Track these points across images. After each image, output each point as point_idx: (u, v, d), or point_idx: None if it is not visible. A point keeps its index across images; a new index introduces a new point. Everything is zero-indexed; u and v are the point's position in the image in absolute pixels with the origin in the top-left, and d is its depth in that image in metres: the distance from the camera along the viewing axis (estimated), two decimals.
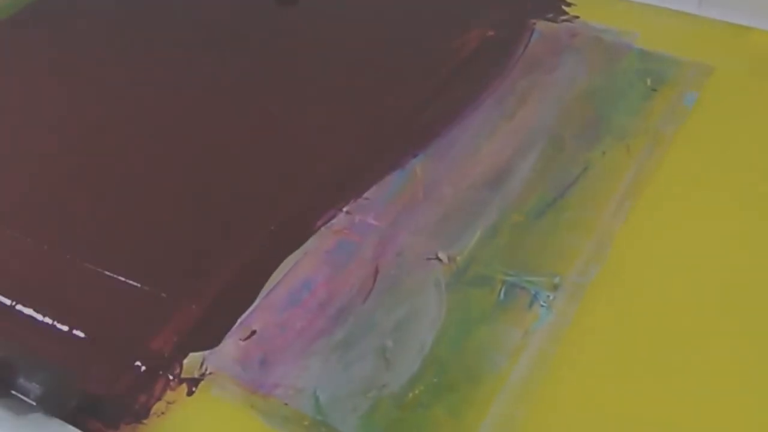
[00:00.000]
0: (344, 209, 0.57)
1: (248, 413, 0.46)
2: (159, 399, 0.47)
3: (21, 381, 0.45)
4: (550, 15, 0.75)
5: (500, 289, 0.52)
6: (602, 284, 0.52)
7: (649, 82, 0.66)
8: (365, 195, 0.58)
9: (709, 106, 0.64)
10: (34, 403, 0.45)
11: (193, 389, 0.47)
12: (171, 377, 0.48)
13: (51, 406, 0.45)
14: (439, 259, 0.53)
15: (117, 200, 0.60)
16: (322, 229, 0.56)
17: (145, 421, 0.46)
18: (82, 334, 0.50)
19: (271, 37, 0.76)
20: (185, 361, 0.48)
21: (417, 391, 0.47)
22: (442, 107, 0.65)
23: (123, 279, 0.53)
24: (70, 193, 0.61)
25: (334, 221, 0.56)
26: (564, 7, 0.76)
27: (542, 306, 0.51)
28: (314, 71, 0.71)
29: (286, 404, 0.46)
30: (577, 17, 0.74)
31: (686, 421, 0.45)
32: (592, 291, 0.51)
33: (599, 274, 0.52)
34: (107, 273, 0.54)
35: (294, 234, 0.55)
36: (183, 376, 0.48)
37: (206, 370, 0.48)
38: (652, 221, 0.56)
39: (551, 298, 0.51)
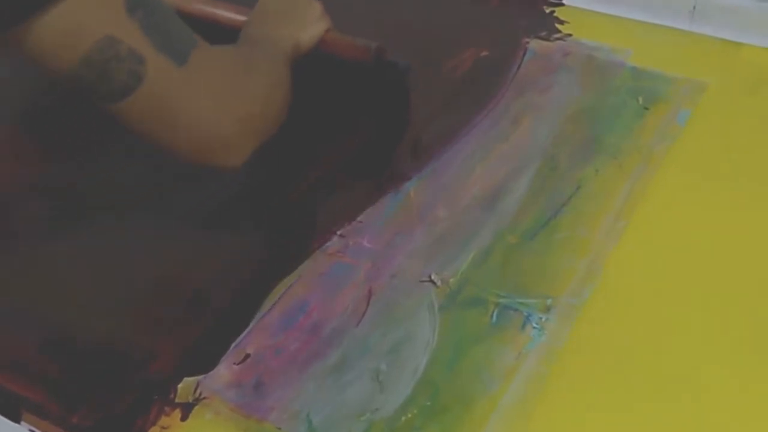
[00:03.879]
0: (338, 232, 0.57)
1: None
2: (154, 423, 0.47)
3: None
4: (543, 33, 0.75)
5: (493, 311, 0.52)
6: (595, 305, 0.52)
7: (641, 100, 0.66)
8: (359, 218, 0.58)
9: (702, 123, 0.64)
10: None
11: (187, 414, 0.47)
12: (165, 402, 0.48)
13: None
14: (433, 282, 0.54)
15: None
16: (317, 252, 0.56)
17: None
18: None
19: None
20: (179, 386, 0.49)
21: (410, 414, 0.47)
22: (437, 129, 0.65)
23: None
24: None
25: (328, 244, 0.57)
26: (557, 25, 0.76)
27: (535, 327, 0.51)
28: (307, 90, 0.71)
29: (279, 429, 0.46)
30: (570, 35, 0.74)
31: None
32: (584, 312, 0.52)
33: (592, 294, 0.53)
34: None
35: (289, 257, 0.56)
36: (177, 400, 0.48)
37: (200, 394, 0.48)
38: (645, 240, 0.56)
39: (544, 319, 0.51)
